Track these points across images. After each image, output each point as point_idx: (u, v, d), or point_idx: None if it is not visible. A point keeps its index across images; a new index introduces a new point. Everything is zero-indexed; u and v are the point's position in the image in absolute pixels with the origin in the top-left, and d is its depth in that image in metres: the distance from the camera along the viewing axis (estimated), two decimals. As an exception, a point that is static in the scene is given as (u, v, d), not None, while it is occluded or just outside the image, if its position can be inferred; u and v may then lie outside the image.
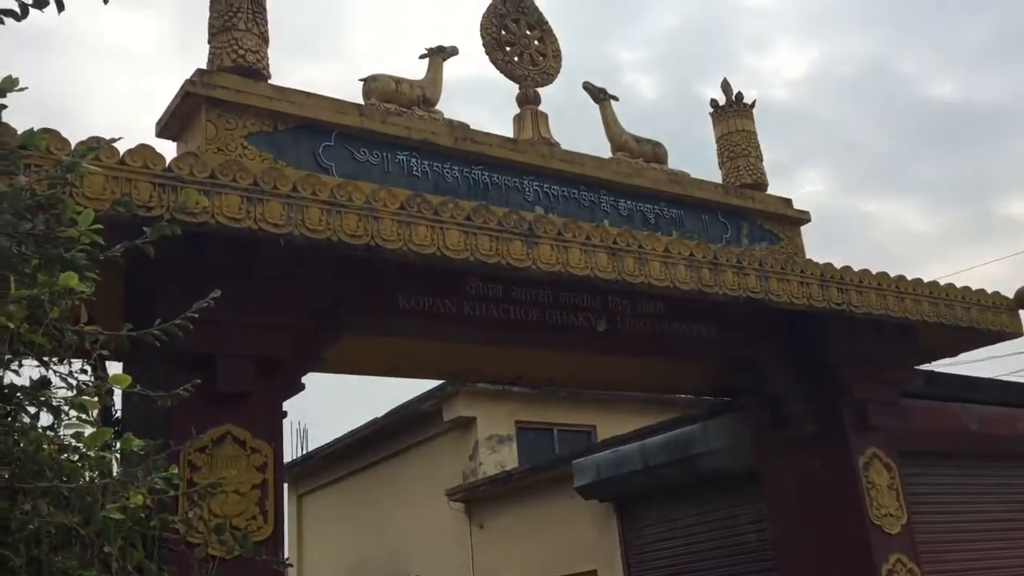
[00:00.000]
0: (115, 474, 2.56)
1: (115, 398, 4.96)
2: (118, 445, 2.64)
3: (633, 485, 9.66)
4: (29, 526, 2.15)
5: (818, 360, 7.37)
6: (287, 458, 17.06)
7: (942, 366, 8.70)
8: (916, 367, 7.99)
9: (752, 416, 7.92)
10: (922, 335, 7.53)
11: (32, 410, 2.44)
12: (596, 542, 10.51)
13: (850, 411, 7.33)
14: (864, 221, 47.76)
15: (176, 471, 2.76)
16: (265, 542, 4.59)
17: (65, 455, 2.46)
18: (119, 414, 4.90)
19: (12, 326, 2.18)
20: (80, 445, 2.52)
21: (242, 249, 4.78)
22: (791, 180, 49.50)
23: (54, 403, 2.44)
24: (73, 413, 2.49)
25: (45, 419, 2.52)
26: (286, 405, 5.50)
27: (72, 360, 2.64)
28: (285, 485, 17.74)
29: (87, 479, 2.41)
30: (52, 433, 2.44)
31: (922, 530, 7.52)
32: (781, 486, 7.64)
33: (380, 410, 15.48)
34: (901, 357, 7.58)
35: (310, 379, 5.77)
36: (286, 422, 5.38)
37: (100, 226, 2.70)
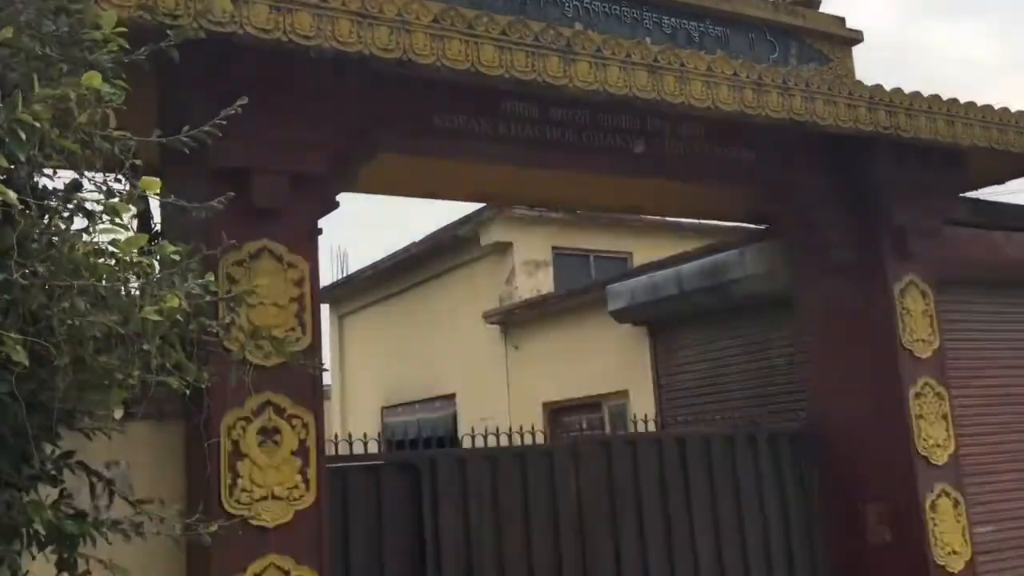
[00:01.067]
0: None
1: (154, 212, 5.03)
2: (156, 254, 2.68)
3: (667, 310, 9.75)
4: (68, 322, 2.21)
5: (859, 185, 7.22)
6: (327, 281, 17.44)
7: (986, 195, 8.51)
8: (961, 195, 7.82)
9: (790, 242, 7.86)
10: (971, 161, 7.32)
11: (66, 214, 2.47)
12: (628, 364, 10.74)
13: (889, 237, 7.23)
14: (927, 47, 45.76)
15: (212, 278, 2.82)
16: (304, 352, 4.71)
17: (101, 259, 2.50)
18: (158, 227, 4.98)
19: (38, 125, 2.17)
20: (116, 250, 2.56)
21: (273, 62, 4.68)
22: (849, 2, 47.16)
23: (87, 207, 2.46)
24: (107, 218, 2.51)
25: (79, 224, 2.56)
26: (323, 223, 5.54)
27: (107, 173, 2.65)
28: (327, 306, 18.05)
29: (123, 280, 2.46)
30: (87, 236, 2.47)
31: (955, 356, 7.56)
32: (815, 311, 7.66)
33: (419, 236, 15.63)
34: (947, 184, 7.40)
35: (349, 202, 5.78)
36: (325, 245, 5.43)
37: (124, 29, 2.65)
